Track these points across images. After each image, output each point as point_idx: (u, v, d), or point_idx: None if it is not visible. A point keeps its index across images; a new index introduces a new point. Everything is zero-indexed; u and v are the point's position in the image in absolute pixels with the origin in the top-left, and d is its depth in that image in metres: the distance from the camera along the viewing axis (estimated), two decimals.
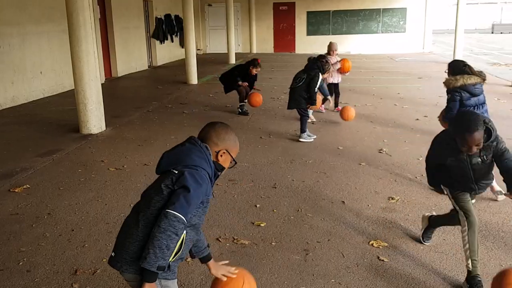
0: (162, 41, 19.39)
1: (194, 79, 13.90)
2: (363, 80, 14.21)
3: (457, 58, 17.98)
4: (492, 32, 38.92)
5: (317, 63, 7.39)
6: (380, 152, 6.64)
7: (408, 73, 15.79)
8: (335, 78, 9.12)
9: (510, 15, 43.90)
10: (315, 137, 7.33)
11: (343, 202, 4.87)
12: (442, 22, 38.16)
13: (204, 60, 20.30)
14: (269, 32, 25.36)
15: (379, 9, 23.99)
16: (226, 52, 20.06)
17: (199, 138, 2.41)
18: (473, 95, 4.88)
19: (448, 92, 4.97)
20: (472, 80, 4.85)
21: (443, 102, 10.28)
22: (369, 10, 24.10)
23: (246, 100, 9.23)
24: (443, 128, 4.39)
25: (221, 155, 2.41)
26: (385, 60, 20.22)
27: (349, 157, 6.42)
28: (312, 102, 7.30)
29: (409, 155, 6.45)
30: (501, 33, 38.42)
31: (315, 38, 24.83)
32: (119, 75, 15.64)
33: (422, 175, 5.63)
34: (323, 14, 24.68)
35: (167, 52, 20.21)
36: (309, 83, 7.15)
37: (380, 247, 3.93)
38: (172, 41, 20.73)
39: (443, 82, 5.07)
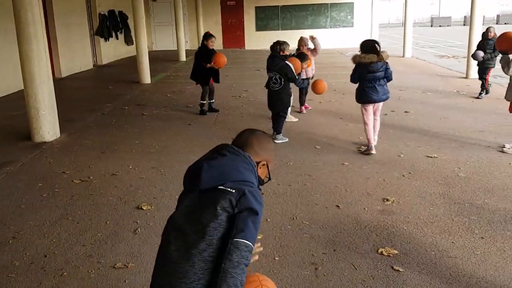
0: (106, 39, 18.45)
1: (147, 78, 13.24)
2: (321, 75, 14.03)
3: (407, 51, 18.31)
4: (432, 26, 40.22)
5: (277, 55, 7.05)
6: (359, 150, 6.42)
7: None
8: (304, 73, 8.76)
9: (447, 8, 45.59)
10: (287, 139, 7.01)
11: (338, 206, 4.59)
12: (381, 16, 39.01)
13: (153, 58, 19.51)
14: (217, 28, 24.81)
15: (327, 3, 24.05)
16: (175, 49, 19.44)
17: (236, 145, 2.03)
18: (369, 71, 6.01)
19: None
20: (367, 59, 5.97)
21: (405, 96, 10.36)
22: (317, 5, 24.11)
23: (205, 101, 8.94)
24: None
25: (260, 167, 2.04)
26: (336, 55, 20.27)
27: (330, 156, 6.16)
28: (302, 85, 7.60)
29: (389, 152, 6.27)
30: (440, 26, 39.79)
31: (265, 34, 24.59)
32: (63, 75, 14.66)
33: (410, 172, 5.47)
34: (272, 9, 24.46)
35: (112, 50, 19.27)
36: (288, 77, 6.80)
37: (391, 255, 3.66)
38: (117, 38, 19.81)
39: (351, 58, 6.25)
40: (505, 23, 38.07)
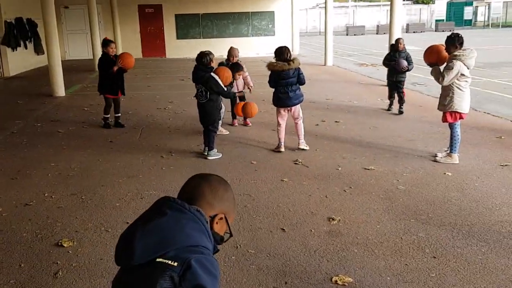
0: (14, 48, 17.06)
1: (61, 90, 12.28)
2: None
3: (328, 60, 18.61)
4: (347, 34, 41.62)
5: (201, 67, 6.70)
6: (296, 163, 6.19)
7: None
8: (237, 86, 8.32)
9: (361, 17, 47.46)
10: (220, 155, 6.63)
11: (283, 229, 4.28)
12: (300, 24, 39.79)
13: (67, 68, 18.32)
14: (136, 37, 23.94)
15: (248, 12, 24.01)
16: (91, 58, 18.39)
17: (183, 198, 1.62)
18: (282, 78, 6.37)
19: None
20: (278, 67, 6.35)
21: (333, 105, 10.36)
22: (239, 13, 24.00)
23: (108, 115, 8.47)
24: None
25: (216, 222, 1.64)
26: (259, 64, 20.19)
27: (268, 172, 5.86)
28: (231, 96, 7.07)
29: (327, 166, 6.09)
30: (355, 34, 41.28)
31: (186, 42, 24.10)
32: None
33: (351, 187, 5.29)
34: (192, 17, 24.01)
35: (20, 60, 17.85)
36: (214, 91, 6.41)
37: (346, 284, 3.40)
38: (26, 48, 18.41)
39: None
40: (414, 32, 40.30)
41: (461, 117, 6.01)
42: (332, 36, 18.69)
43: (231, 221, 1.70)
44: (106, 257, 3.80)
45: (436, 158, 6.15)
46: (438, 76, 5.76)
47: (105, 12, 23.27)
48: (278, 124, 6.72)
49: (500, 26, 44.31)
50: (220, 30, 24.28)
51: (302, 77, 6.50)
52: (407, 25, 42.57)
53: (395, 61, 8.98)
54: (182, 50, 24.07)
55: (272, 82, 6.52)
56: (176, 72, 17.70)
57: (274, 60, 6.49)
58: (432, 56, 6.00)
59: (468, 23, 45.35)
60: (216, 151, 6.59)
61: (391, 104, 9.40)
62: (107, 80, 8.16)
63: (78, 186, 5.49)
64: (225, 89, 6.55)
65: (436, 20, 41.79)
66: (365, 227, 4.30)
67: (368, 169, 5.91)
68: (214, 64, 6.97)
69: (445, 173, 5.67)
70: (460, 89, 5.82)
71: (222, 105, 6.78)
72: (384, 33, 41.64)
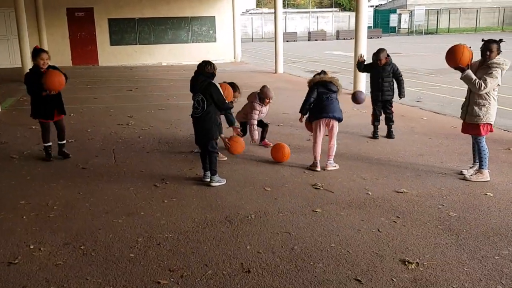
0: None
1: None
2: None
3: (279, 67, 18.07)
4: (287, 41, 41.55)
5: (204, 74, 5.65)
6: (317, 188, 5.43)
7: (242, 85, 15.04)
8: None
9: (291, 24, 47.75)
10: (225, 181, 5.72)
11: (359, 280, 3.48)
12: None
13: None
14: (65, 42, 22.09)
15: (188, 17, 22.97)
16: (13, 66, 16.54)
17: None
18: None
19: None
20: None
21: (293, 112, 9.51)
22: (177, 18, 22.89)
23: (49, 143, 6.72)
24: None
25: None
26: None
27: (290, 200, 5.05)
28: (231, 120, 6.11)
29: (352, 189, 5.38)
30: (287, 41, 41.31)
31: (121, 48, 22.65)
32: None
33: (398, 216, 4.61)
34: (127, 22, 22.57)
35: None
36: (213, 99, 5.49)
37: None
38: None
39: None
40: (344, 38, 41.11)
41: (491, 130, 5.56)
42: (282, 43, 18.18)
43: None
44: None
45: (466, 176, 5.65)
46: (476, 83, 5.23)
47: (30, 15, 21.18)
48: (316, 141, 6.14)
49: (423, 33, 46.52)
50: (158, 36, 23.07)
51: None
52: (337, 32, 43.42)
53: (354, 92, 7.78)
54: (117, 57, 22.63)
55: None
56: (117, 81, 16.36)
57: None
58: (451, 60, 5.48)
59: (393, 30, 47.11)
60: (218, 177, 5.68)
61: (376, 130, 7.76)
62: (38, 100, 6.46)
63: (68, 232, 4.36)
64: (226, 102, 5.68)
65: None
66: (451, 270, 3.62)
67: (401, 192, 5.29)
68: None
69: (486, 194, 5.17)
70: (495, 100, 5.37)
71: (220, 120, 5.82)
72: (316, 40, 42.24)
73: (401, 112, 9.72)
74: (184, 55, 23.09)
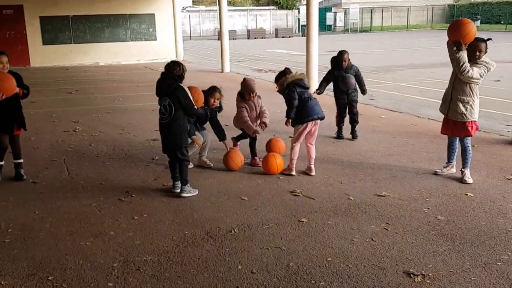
0: None
1: None
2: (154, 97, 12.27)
3: (226, 66, 17.70)
4: (218, 39, 41.05)
5: (170, 76, 5.18)
6: (296, 194, 5.16)
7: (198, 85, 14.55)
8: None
9: (231, 22, 47.34)
10: (197, 191, 5.32)
11: None
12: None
13: None
14: None
15: (126, 14, 22.06)
16: None
17: None
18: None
19: None
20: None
21: (271, 118, 9.13)
22: (115, 15, 21.92)
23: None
24: None
25: None
26: (147, 72, 18.53)
27: (271, 210, 4.73)
28: (199, 114, 5.51)
29: (333, 195, 5.15)
30: (234, 39, 40.90)
31: (55, 48, 21.42)
32: None
33: (388, 223, 4.43)
34: (61, 20, 21.34)
35: None
36: (181, 104, 5.05)
37: None
38: None
39: None
40: (283, 36, 41.33)
41: (477, 127, 5.47)
42: (228, 41, 17.82)
43: None
44: None
45: (467, 180, 5.46)
46: (464, 66, 4.95)
47: None
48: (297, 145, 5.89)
49: (358, 31, 47.68)
50: (94, 35, 22.01)
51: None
52: (276, 30, 43.57)
53: (341, 78, 7.20)
54: (50, 57, 21.38)
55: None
56: (55, 83, 15.38)
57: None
58: (461, 32, 4.99)
59: (329, 28, 47.93)
60: (189, 186, 5.27)
61: (340, 131, 7.64)
62: None
63: (31, 260, 3.81)
64: (195, 106, 5.24)
65: (302, 25, 43.30)
66: (459, 281, 3.44)
67: (382, 195, 5.12)
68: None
69: (467, 194, 5.10)
70: (477, 97, 5.28)
71: (188, 126, 5.38)
72: (255, 38, 42.17)
73: (358, 111, 9.67)
74: (123, 54, 22.18)
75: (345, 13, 48.17)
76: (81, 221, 4.57)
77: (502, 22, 47.12)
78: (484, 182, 5.49)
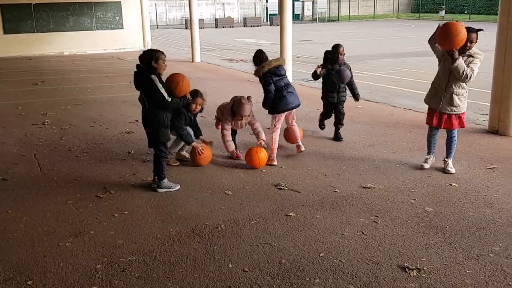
0: None
1: None
2: (124, 88, 11.94)
3: (196, 56, 17.40)
4: (186, 28, 40.45)
5: (142, 68, 4.91)
6: (281, 188, 5.05)
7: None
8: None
9: (198, 10, 46.67)
10: (178, 186, 5.14)
11: None
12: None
13: None
14: None
15: (91, 2, 21.36)
16: None
17: None
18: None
19: None
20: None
21: None
22: (79, 3, 21.21)
23: None
24: None
25: None
26: (115, 61, 18.02)
27: (257, 205, 4.61)
28: (174, 107, 5.09)
29: (319, 187, 5.07)
30: (202, 28, 40.29)
31: (15, 37, 20.60)
32: None
33: (376, 216, 4.37)
34: (22, 8, 20.49)
35: None
36: (152, 97, 4.85)
37: None
38: None
39: None
40: (251, 26, 41.03)
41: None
42: (198, 30, 17.51)
43: None
44: None
45: (450, 170, 5.44)
46: (466, 72, 4.90)
47: None
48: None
49: (326, 20, 47.81)
50: (58, 23, 21.27)
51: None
52: (244, 19, 43.21)
53: (336, 71, 6.57)
54: (11, 47, 20.56)
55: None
56: (18, 74, 14.78)
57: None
58: (455, 42, 4.82)
59: (297, 17, 47.85)
60: (166, 181, 5.06)
61: (322, 122, 7.22)
62: None
63: (7, 263, 3.57)
64: (168, 98, 4.87)
65: (271, 14, 43.12)
66: (454, 274, 3.40)
67: (368, 187, 5.06)
68: None
69: (451, 185, 5.10)
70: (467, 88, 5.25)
71: (166, 120, 5.15)
72: (223, 27, 41.72)
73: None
74: (88, 44, 21.53)
75: (313, 3, 48.19)
76: (58, 220, 4.34)
77: (466, 12, 48.14)
78: (466, 172, 5.50)
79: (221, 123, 6.09)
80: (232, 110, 5.86)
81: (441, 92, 5.19)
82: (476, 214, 4.38)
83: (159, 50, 4.97)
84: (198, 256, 3.68)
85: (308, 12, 48.91)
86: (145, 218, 4.37)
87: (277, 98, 5.72)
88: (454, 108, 5.18)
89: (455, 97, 5.14)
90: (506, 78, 6.82)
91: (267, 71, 5.75)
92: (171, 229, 4.14)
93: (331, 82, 6.72)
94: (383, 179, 5.30)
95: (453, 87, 5.12)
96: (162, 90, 4.83)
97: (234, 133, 6.24)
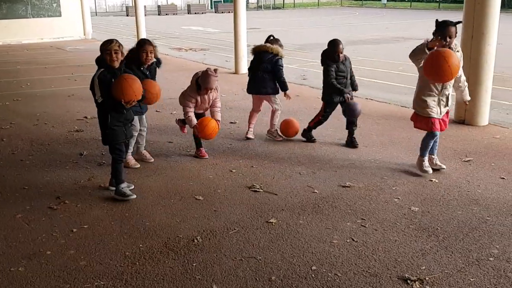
0: None
1: None
2: (67, 80, 11.10)
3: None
4: (127, 15, 39.00)
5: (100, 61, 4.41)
6: (256, 190, 4.67)
7: None
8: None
9: None
10: (132, 187, 4.65)
11: None
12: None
13: None
14: None
15: None
16: None
17: None
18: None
19: None
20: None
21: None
22: None
23: None
24: None
25: None
26: (53, 51, 16.88)
27: (234, 212, 4.21)
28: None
29: (296, 189, 4.72)
30: (144, 15, 38.94)
31: None
32: None
33: (363, 218, 4.08)
34: None
35: None
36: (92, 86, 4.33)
37: None
38: None
39: None
40: (196, 13, 40.08)
41: None
42: (143, 18, 16.73)
43: None
44: None
45: (442, 166, 5.20)
46: (465, 84, 5.13)
47: None
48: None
49: (271, 8, 47.53)
50: None
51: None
52: (188, 6, 42.14)
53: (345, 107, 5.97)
54: None
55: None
56: None
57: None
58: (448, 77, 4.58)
59: None
60: (123, 186, 4.52)
61: (311, 130, 6.37)
62: None
63: None
64: (99, 99, 4.27)
65: (215, 1, 42.26)
66: (458, 284, 3.13)
67: (347, 186, 4.77)
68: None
69: (431, 180, 4.91)
70: None
71: (115, 121, 4.50)
72: (167, 14, 40.51)
73: (294, 92, 9.29)
74: (24, 33, 20.13)
75: None
76: (6, 239, 3.75)
77: (407, 0, 49.27)
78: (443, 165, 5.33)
79: (184, 102, 5.49)
80: (197, 84, 5.37)
81: (439, 99, 4.88)
82: (465, 213, 4.18)
83: (113, 40, 4.38)
84: (176, 277, 3.24)
85: (253, 0, 48.46)
86: (108, 233, 3.86)
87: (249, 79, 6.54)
88: (447, 109, 5.01)
89: (450, 96, 4.95)
90: (472, 67, 6.73)
91: (252, 50, 6.53)
92: (140, 245, 3.67)
93: (336, 80, 6.02)
94: (361, 177, 5.03)
95: (447, 88, 4.89)
96: (97, 90, 4.29)
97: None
